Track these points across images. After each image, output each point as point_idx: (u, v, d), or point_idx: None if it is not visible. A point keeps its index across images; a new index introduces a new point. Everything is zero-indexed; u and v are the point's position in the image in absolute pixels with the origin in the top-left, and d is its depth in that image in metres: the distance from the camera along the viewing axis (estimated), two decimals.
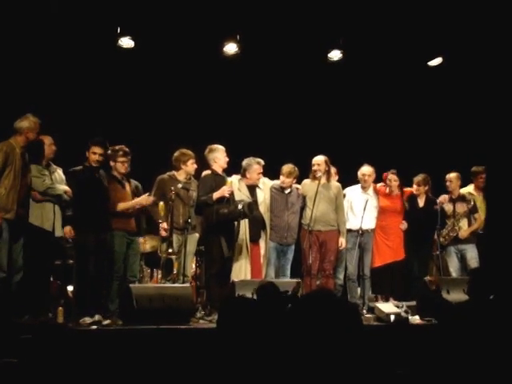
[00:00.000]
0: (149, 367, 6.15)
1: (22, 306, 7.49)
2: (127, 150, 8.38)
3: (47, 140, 8.02)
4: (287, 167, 9.34)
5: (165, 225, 8.35)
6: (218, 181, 8.65)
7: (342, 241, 9.32)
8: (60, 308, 7.66)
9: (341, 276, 9.54)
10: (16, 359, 5.49)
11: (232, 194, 8.64)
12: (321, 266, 9.19)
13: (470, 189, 10.07)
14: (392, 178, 9.68)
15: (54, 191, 7.90)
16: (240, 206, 8.44)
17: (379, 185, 9.81)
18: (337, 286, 9.39)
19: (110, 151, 8.31)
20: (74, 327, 7.29)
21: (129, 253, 8.24)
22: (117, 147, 8.35)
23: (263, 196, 9.30)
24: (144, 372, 6.10)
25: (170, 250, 8.34)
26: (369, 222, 9.51)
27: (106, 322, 7.52)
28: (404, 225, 9.66)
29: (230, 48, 10.62)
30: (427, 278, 9.02)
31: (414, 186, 9.84)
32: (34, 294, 7.60)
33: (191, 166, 8.72)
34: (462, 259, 9.61)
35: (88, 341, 6.56)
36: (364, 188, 9.68)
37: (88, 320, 7.49)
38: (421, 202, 9.85)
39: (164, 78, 10.70)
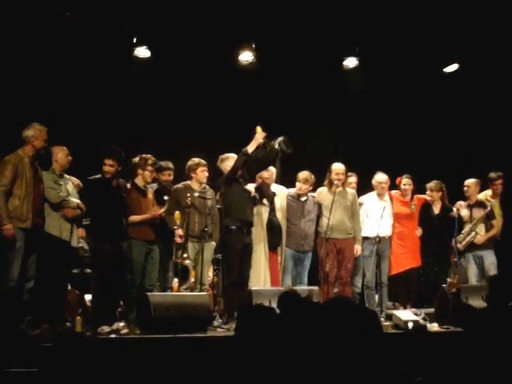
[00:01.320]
0: (167, 376, 6.16)
1: (40, 315, 7.51)
2: (155, 159, 8.46)
3: (62, 150, 8.08)
4: (303, 174, 9.35)
5: (180, 231, 8.37)
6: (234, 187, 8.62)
7: (358, 248, 9.30)
8: (78, 317, 7.68)
9: (358, 284, 9.52)
10: (35, 368, 5.52)
11: (266, 138, 8.51)
12: (338, 273, 9.17)
13: (486, 195, 10.03)
14: (407, 182, 9.67)
15: (67, 204, 7.93)
16: (277, 145, 8.40)
17: (394, 192, 9.80)
18: (354, 294, 9.37)
19: (138, 159, 8.40)
20: (92, 336, 7.30)
21: (148, 261, 8.27)
22: (146, 156, 8.43)
23: (280, 203, 9.30)
24: (162, 381, 6.11)
25: (186, 255, 8.36)
26: (385, 230, 9.49)
27: (124, 330, 7.52)
28: (419, 231, 9.64)
29: (246, 57, 10.65)
30: (448, 280, 8.96)
31: (428, 192, 9.83)
32: (51, 303, 7.62)
33: (201, 173, 8.73)
34: (481, 265, 9.57)
35: (106, 349, 6.57)
36: (380, 195, 9.65)
37: (106, 329, 7.50)
38: (436, 209, 9.83)
39: (179, 88, 10.72)
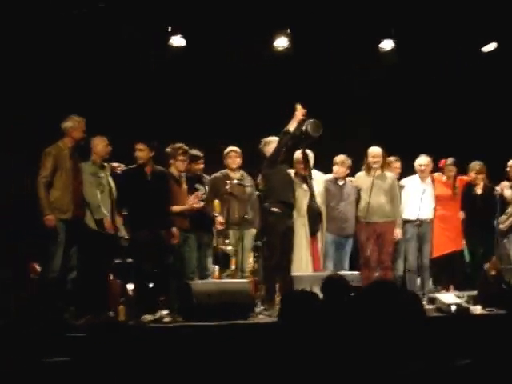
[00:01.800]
0: (209, 363, 6.18)
1: (83, 305, 7.59)
2: (187, 148, 8.46)
3: (102, 140, 8.10)
4: (340, 157, 9.32)
5: (220, 218, 8.41)
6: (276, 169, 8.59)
7: (398, 232, 9.24)
8: (121, 306, 7.75)
9: (400, 268, 9.48)
10: (78, 358, 5.58)
11: (306, 115, 8.37)
12: (379, 258, 9.13)
13: None
14: (451, 168, 9.57)
15: (97, 210, 7.89)
16: (304, 126, 8.30)
17: (436, 174, 9.70)
18: (396, 278, 9.32)
19: (170, 149, 8.41)
20: (135, 325, 7.36)
21: (184, 249, 8.30)
22: (177, 145, 8.44)
23: (318, 189, 9.27)
24: (205, 369, 6.13)
25: (227, 241, 8.39)
26: (427, 213, 9.41)
27: (167, 319, 7.57)
28: (461, 214, 9.54)
29: (281, 43, 10.61)
30: (486, 265, 8.88)
31: (471, 174, 9.71)
32: (94, 293, 7.69)
33: (229, 159, 8.79)
34: None
35: (150, 338, 6.62)
36: (421, 178, 9.57)
37: (149, 317, 7.55)
38: (478, 190, 9.71)
39: (214, 76, 10.72)
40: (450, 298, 8.21)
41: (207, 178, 8.91)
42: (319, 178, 9.36)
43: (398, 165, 9.79)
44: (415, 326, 2.33)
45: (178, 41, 10.24)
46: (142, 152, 8.04)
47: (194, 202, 8.36)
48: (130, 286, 8.53)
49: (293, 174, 8.78)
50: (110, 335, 4.12)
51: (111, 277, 8.36)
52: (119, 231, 8.18)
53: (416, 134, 11.15)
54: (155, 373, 3.91)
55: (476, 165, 9.68)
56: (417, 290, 9.09)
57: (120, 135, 8.73)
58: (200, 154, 8.78)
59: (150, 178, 8.09)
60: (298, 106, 8.37)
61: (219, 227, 8.44)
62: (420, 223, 9.28)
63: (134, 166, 8.20)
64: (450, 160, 9.59)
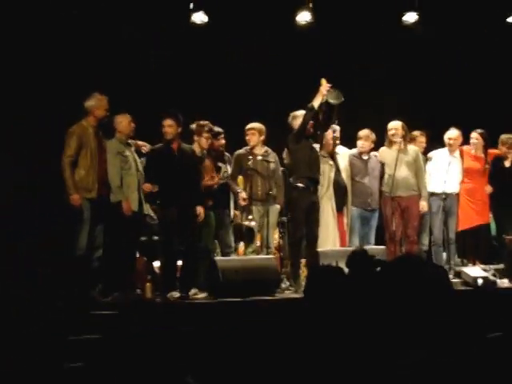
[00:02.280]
0: (237, 340, 6.21)
1: (109, 283, 7.64)
2: (211, 125, 8.48)
3: (126, 118, 8.07)
4: (364, 131, 9.31)
5: (243, 194, 8.43)
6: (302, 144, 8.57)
7: (424, 204, 9.19)
8: (148, 284, 7.80)
9: (425, 242, 9.44)
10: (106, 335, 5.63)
11: (331, 89, 8.29)
12: (404, 232, 9.10)
13: None
14: (475, 136, 9.48)
15: (116, 191, 7.86)
16: (324, 98, 8.24)
17: (465, 147, 9.62)
18: (421, 253, 9.29)
19: (195, 126, 8.41)
20: (162, 302, 7.41)
21: (203, 227, 8.30)
22: (202, 122, 8.45)
23: (343, 164, 9.25)
24: (232, 345, 6.17)
25: (250, 217, 8.40)
26: (453, 186, 9.35)
27: (194, 295, 7.61)
28: (489, 188, 9.46)
29: (304, 17, 10.54)
30: (507, 238, 8.83)
31: (501, 148, 9.60)
32: (121, 271, 7.73)
33: (248, 138, 8.78)
34: None
35: (177, 314, 6.66)
36: (450, 151, 9.50)
37: (175, 294, 7.60)
38: (507, 163, 9.60)
39: (236, 52, 10.69)
40: (476, 271, 8.19)
41: (228, 155, 8.93)
42: (344, 153, 9.36)
43: (423, 139, 9.74)
44: (442, 300, 2.32)
45: (200, 17, 10.20)
46: (171, 128, 7.99)
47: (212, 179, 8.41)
48: (157, 264, 8.58)
49: (318, 149, 8.73)
50: (137, 312, 4.15)
51: (137, 254, 8.39)
52: (144, 210, 8.17)
53: (446, 108, 11.05)
54: (180, 350, 3.94)
55: (508, 139, 9.56)
56: (442, 263, 9.06)
57: (142, 113, 8.74)
58: (220, 129, 8.78)
59: (177, 155, 8.05)
60: (323, 81, 8.29)
61: (242, 203, 8.46)
62: (446, 196, 9.23)
63: (161, 144, 8.17)
64: (475, 131, 9.50)
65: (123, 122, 8.04)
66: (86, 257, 7.51)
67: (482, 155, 9.52)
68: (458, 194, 9.43)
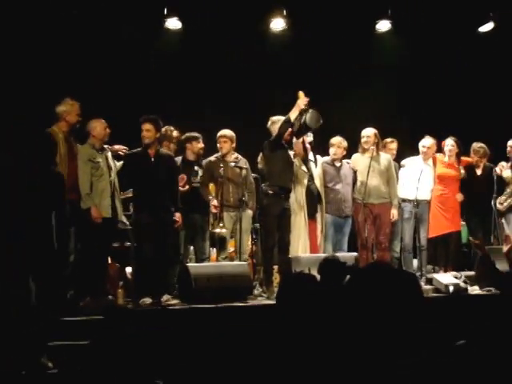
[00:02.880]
0: (208, 345, 6.21)
1: (82, 289, 7.59)
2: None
3: (100, 123, 7.96)
4: (336, 139, 9.35)
5: (215, 201, 8.43)
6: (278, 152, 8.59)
7: (394, 213, 9.25)
8: (120, 290, 7.77)
9: (396, 249, 9.52)
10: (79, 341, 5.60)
11: (308, 103, 8.30)
12: (376, 238, 9.15)
13: None
14: (451, 143, 9.55)
15: (85, 198, 7.70)
16: (303, 118, 8.26)
17: (438, 154, 9.70)
18: (393, 259, 9.35)
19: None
20: (134, 308, 7.37)
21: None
22: (170, 128, 8.50)
23: (317, 171, 9.29)
24: (203, 351, 6.16)
25: (221, 225, 8.39)
26: (424, 193, 9.40)
27: (166, 302, 7.58)
28: (460, 196, 9.54)
29: (277, 24, 10.60)
30: (471, 240, 8.90)
31: (473, 156, 9.69)
32: (93, 276, 7.67)
33: (219, 145, 8.80)
34: None
35: (148, 321, 6.64)
36: (423, 159, 9.57)
37: (147, 300, 7.57)
38: (479, 171, 9.69)
39: (210, 58, 10.71)
40: (447, 278, 8.23)
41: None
42: (317, 160, 9.39)
43: (393, 146, 9.82)
44: (413, 307, 2.34)
45: (174, 23, 10.22)
46: (149, 132, 7.93)
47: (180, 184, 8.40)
48: (129, 270, 8.55)
49: (293, 156, 8.76)
50: (108, 319, 4.13)
51: (110, 260, 8.35)
52: (118, 216, 8.10)
53: (421, 116, 11.16)
54: (152, 356, 3.93)
55: (480, 147, 9.65)
56: (414, 270, 9.12)
57: (119, 118, 8.71)
58: (197, 134, 8.84)
59: (153, 161, 8.01)
60: (301, 94, 8.29)
61: (214, 210, 8.46)
62: (417, 203, 9.28)
63: (138, 149, 8.11)
64: (449, 138, 9.58)
65: (97, 127, 7.92)
66: (58, 262, 7.41)
67: (456, 162, 9.61)
68: (429, 202, 9.50)
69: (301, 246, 8.86)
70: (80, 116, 7.80)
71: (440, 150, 9.70)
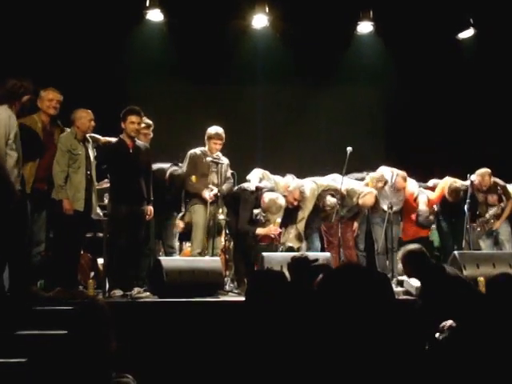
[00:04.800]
0: (177, 340, 6.21)
1: (53, 278, 7.54)
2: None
3: (87, 114, 7.75)
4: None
5: (207, 192, 8.52)
6: None
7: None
8: (90, 281, 7.72)
9: (361, 246, 9.60)
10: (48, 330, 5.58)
11: (279, 235, 8.73)
12: (343, 237, 9.16)
13: None
14: (399, 178, 9.64)
15: (58, 190, 7.53)
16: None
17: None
18: (360, 257, 9.46)
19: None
20: (104, 299, 7.34)
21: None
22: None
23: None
24: (172, 345, 6.16)
25: (221, 211, 8.58)
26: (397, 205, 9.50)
27: (136, 294, 7.55)
28: None
29: (259, 21, 10.65)
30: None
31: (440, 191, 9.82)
32: (64, 266, 7.59)
33: (213, 145, 8.81)
34: (495, 237, 9.65)
35: (118, 313, 6.61)
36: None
37: (118, 292, 7.53)
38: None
39: (193, 52, 10.72)
40: (418, 281, 8.26)
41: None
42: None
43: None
44: (384, 308, 2.35)
45: (155, 15, 10.22)
46: (135, 125, 7.86)
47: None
48: (100, 261, 8.51)
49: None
50: (78, 309, 4.11)
51: (82, 251, 8.29)
52: (93, 209, 7.99)
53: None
54: (122, 348, 3.92)
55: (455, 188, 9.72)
56: (386, 272, 9.17)
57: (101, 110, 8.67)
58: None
59: (132, 152, 7.95)
60: (276, 223, 8.65)
61: (210, 200, 8.48)
62: (391, 206, 9.34)
63: (116, 139, 8.02)
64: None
65: (82, 118, 7.70)
66: (27, 252, 7.31)
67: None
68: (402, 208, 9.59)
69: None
70: (56, 109, 7.66)
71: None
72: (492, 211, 9.66)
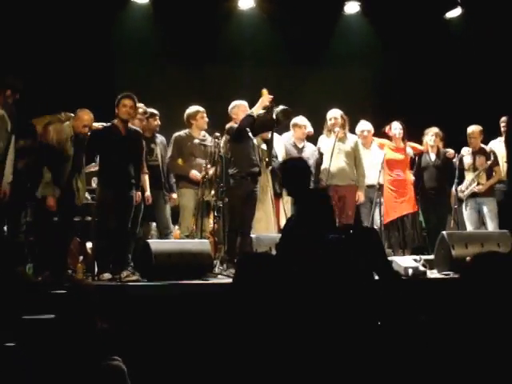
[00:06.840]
0: (166, 322, 6.21)
1: (41, 263, 7.53)
2: (145, 108, 8.61)
3: (86, 114, 7.79)
4: (298, 119, 9.38)
5: (195, 172, 8.57)
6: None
7: (360, 195, 9.28)
8: (79, 265, 7.72)
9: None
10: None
11: (273, 101, 8.40)
12: (339, 221, 9.16)
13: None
14: (397, 126, 9.60)
15: (44, 186, 7.57)
16: (274, 114, 8.33)
17: (383, 140, 9.76)
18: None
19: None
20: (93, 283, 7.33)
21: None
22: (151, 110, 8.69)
23: (281, 152, 9.31)
24: (161, 327, 6.16)
25: (213, 193, 8.60)
26: (372, 178, 9.43)
27: (126, 277, 7.54)
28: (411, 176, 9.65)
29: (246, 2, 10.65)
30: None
31: (426, 139, 9.75)
32: (53, 251, 7.60)
33: (201, 120, 8.83)
34: (480, 212, 9.58)
35: (107, 296, 6.61)
36: (364, 144, 9.61)
37: (107, 276, 7.53)
38: (432, 156, 9.76)
39: (178, 34, 10.68)
40: (407, 261, 8.28)
41: (158, 137, 8.95)
42: (280, 140, 9.41)
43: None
44: (373, 288, 2.35)
45: None
46: (130, 109, 7.83)
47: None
48: (89, 245, 8.50)
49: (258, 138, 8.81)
50: (69, 293, 4.12)
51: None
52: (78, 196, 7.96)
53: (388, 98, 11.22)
54: (111, 332, 3.92)
55: (433, 132, 9.72)
56: None
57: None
58: (155, 111, 8.82)
59: (124, 136, 7.88)
60: (265, 92, 8.38)
61: (198, 180, 8.49)
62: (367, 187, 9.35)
63: (109, 123, 7.97)
64: (395, 122, 9.63)
65: (81, 118, 7.78)
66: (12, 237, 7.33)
67: (403, 146, 9.66)
68: (380, 186, 9.46)
69: (269, 226, 8.92)
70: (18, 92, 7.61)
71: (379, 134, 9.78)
72: (476, 172, 9.59)
